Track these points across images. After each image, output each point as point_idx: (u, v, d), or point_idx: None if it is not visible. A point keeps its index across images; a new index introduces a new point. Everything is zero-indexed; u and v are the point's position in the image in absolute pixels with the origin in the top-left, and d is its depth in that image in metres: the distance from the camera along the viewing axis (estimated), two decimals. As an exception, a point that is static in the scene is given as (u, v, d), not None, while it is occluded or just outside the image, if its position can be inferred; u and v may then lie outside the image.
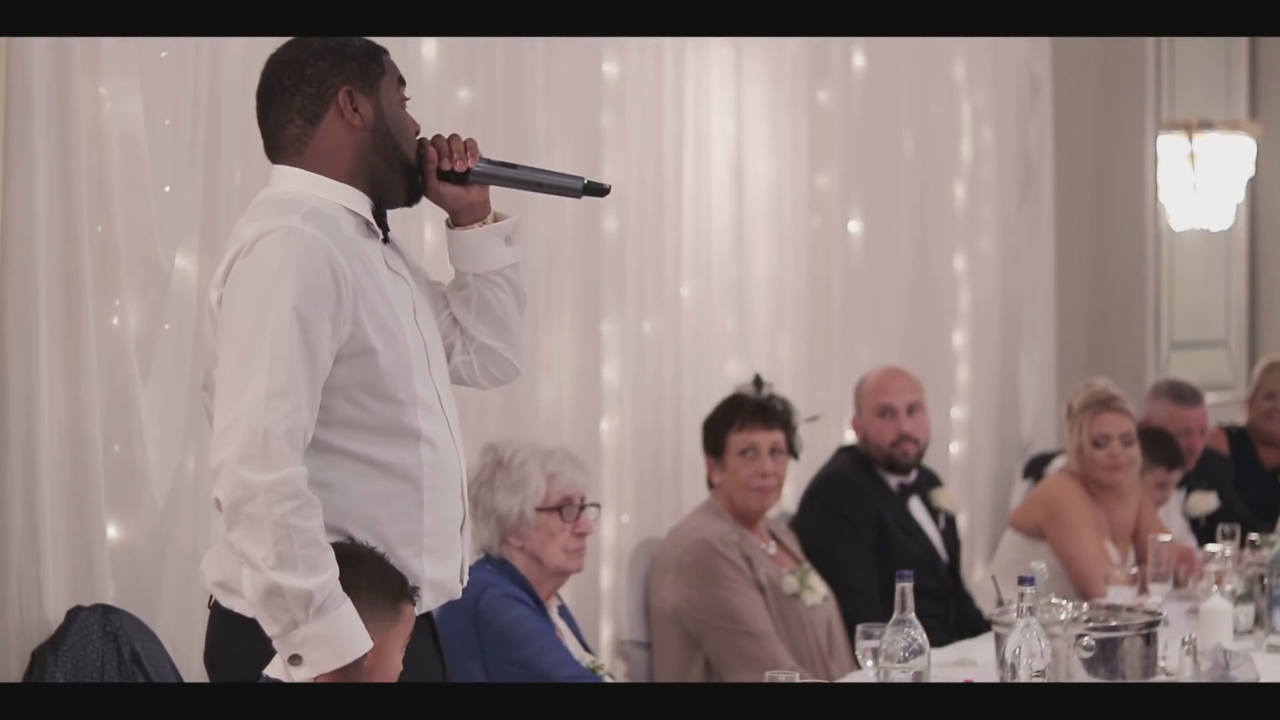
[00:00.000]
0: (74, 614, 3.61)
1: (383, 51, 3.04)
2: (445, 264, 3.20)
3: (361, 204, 2.99)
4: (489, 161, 3.09)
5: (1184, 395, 6.24)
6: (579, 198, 3.15)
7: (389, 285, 2.98)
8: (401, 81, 3.06)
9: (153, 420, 3.80)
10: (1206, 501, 6.11)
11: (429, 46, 4.61)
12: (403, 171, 3.03)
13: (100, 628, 3.61)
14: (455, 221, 3.13)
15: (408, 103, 3.08)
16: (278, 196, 2.95)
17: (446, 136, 3.08)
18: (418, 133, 3.08)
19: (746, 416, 4.81)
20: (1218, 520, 5.57)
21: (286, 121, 2.98)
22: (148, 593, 3.80)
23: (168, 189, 3.85)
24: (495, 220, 3.13)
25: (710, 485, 4.88)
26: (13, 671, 3.56)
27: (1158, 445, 5.77)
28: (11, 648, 3.57)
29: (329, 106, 2.97)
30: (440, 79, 4.64)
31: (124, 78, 3.74)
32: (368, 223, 2.99)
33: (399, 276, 3.03)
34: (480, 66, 4.73)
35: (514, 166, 3.13)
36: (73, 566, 3.66)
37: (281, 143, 3.00)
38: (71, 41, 3.60)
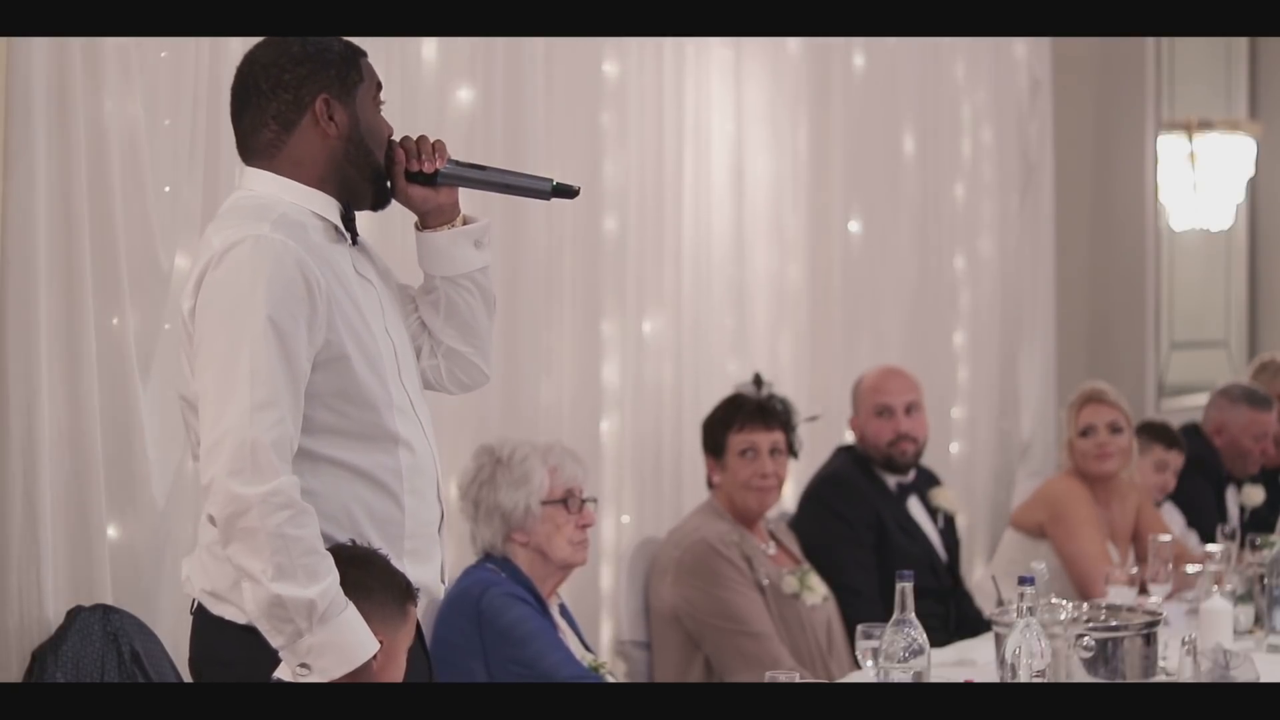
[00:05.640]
0: (74, 614, 3.61)
1: (361, 54, 3.02)
2: (415, 267, 3.19)
3: (330, 209, 2.98)
4: (457, 163, 3.08)
5: (1261, 400, 6.28)
6: (548, 199, 3.14)
7: (358, 291, 2.97)
8: (379, 86, 3.04)
9: (153, 420, 3.80)
10: (1255, 494, 6.23)
11: (429, 46, 4.61)
12: (372, 177, 3.02)
13: (100, 628, 3.61)
14: (424, 224, 3.11)
15: (384, 106, 3.06)
16: (246, 201, 2.94)
17: (415, 138, 3.07)
18: (390, 135, 3.07)
19: (746, 417, 4.81)
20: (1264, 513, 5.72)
21: (261, 125, 2.97)
22: (148, 593, 3.80)
23: (168, 189, 3.85)
24: (465, 223, 3.12)
25: (710, 485, 4.88)
26: (13, 671, 3.56)
27: (1153, 429, 5.81)
28: (11, 648, 3.56)
29: (305, 114, 2.96)
30: (440, 79, 4.64)
31: (124, 78, 3.74)
32: (336, 228, 2.99)
33: (366, 281, 3.03)
34: (480, 66, 4.73)
35: (483, 168, 3.12)
36: (73, 566, 3.66)
37: (255, 145, 2.99)
38: (71, 41, 3.59)
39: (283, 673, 2.79)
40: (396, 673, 2.86)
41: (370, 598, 2.80)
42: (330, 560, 2.79)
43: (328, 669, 2.76)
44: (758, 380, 5.12)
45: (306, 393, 2.86)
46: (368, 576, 2.83)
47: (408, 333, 3.12)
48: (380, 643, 2.81)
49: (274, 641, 2.77)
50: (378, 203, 3.06)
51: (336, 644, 2.76)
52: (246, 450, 2.75)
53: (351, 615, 2.78)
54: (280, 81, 2.96)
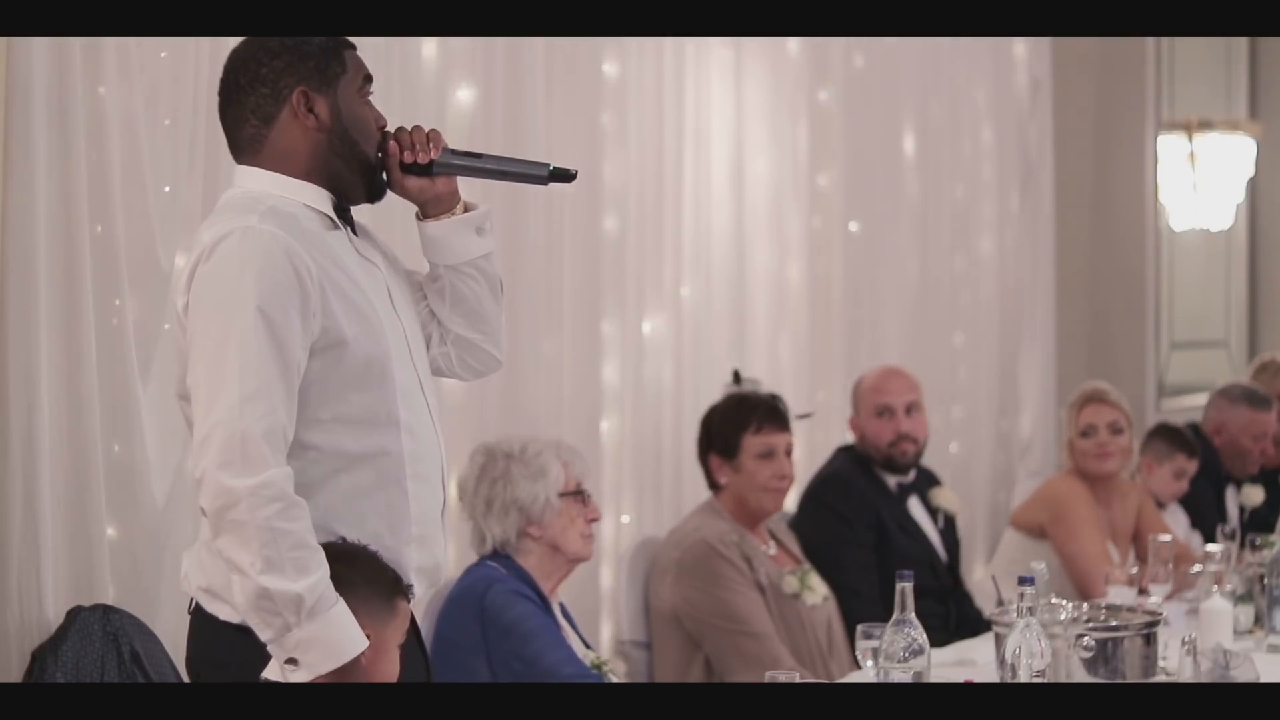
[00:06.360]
0: (74, 614, 3.61)
1: (346, 47, 3.01)
2: (417, 256, 3.19)
3: (322, 200, 2.98)
4: (453, 151, 3.07)
5: (1260, 400, 6.27)
6: (545, 185, 3.13)
7: (360, 273, 2.97)
8: (367, 78, 3.03)
9: (153, 420, 3.80)
10: (1255, 494, 6.21)
11: (429, 46, 4.61)
12: (361, 170, 3.01)
13: (100, 628, 3.61)
14: (424, 214, 3.11)
15: (373, 97, 3.05)
16: (237, 197, 2.94)
17: (409, 129, 3.06)
18: (382, 128, 3.05)
19: (763, 418, 4.79)
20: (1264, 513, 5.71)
21: (243, 121, 2.98)
22: (148, 593, 3.80)
23: (168, 189, 3.85)
24: (465, 210, 3.12)
25: (714, 486, 4.85)
26: (13, 671, 3.56)
27: (1174, 436, 5.80)
28: (11, 648, 3.57)
29: (283, 107, 2.95)
30: (440, 79, 4.64)
31: (124, 78, 3.74)
32: (330, 218, 2.98)
33: (371, 264, 3.02)
34: (480, 66, 4.73)
35: (478, 156, 3.12)
36: (73, 566, 3.66)
37: (240, 141, 2.99)
38: (71, 41, 3.60)
39: (271, 669, 2.79)
40: (387, 668, 2.84)
41: (354, 592, 2.79)
42: (321, 555, 2.78)
43: (315, 664, 2.75)
44: (736, 375, 5.11)
45: (307, 380, 2.85)
46: (351, 571, 2.81)
47: (418, 319, 3.12)
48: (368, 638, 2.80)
49: (262, 635, 2.76)
50: (371, 195, 3.05)
51: (324, 639, 2.75)
52: (236, 442, 2.75)
53: (341, 611, 2.77)
54: (258, 76, 2.95)
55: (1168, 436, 5.85)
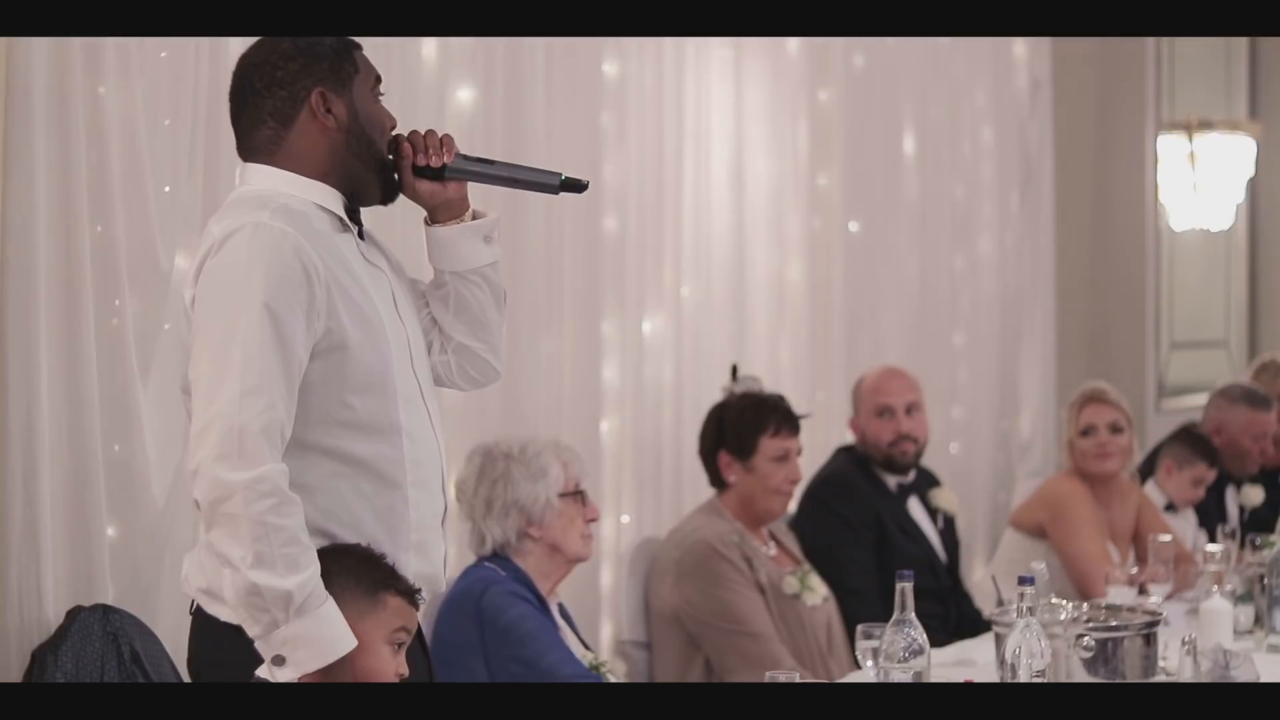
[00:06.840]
0: (74, 614, 3.61)
1: (355, 47, 3.02)
2: (423, 263, 3.19)
3: (333, 200, 2.98)
4: (465, 157, 3.07)
5: (1260, 400, 6.26)
6: (556, 194, 3.13)
7: (365, 277, 2.97)
8: (377, 78, 3.04)
9: (153, 420, 3.80)
10: (1255, 494, 6.20)
11: (429, 46, 4.61)
12: (377, 169, 3.02)
13: (100, 628, 3.61)
14: (433, 219, 3.11)
15: (383, 98, 3.05)
16: (248, 194, 2.94)
17: (423, 132, 3.06)
18: (393, 128, 3.05)
19: (781, 421, 4.78)
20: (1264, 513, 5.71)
21: (259, 123, 2.98)
22: (148, 593, 3.80)
23: (168, 189, 3.85)
24: (474, 218, 3.12)
25: (718, 482, 4.83)
26: (13, 671, 3.56)
27: (1198, 443, 5.80)
28: (11, 648, 3.57)
29: (301, 108, 2.96)
30: (440, 79, 4.64)
31: (124, 78, 3.74)
32: (340, 219, 2.98)
33: (376, 269, 3.02)
34: (480, 66, 4.74)
35: (490, 162, 3.12)
36: (73, 566, 3.66)
37: (255, 143, 2.99)
38: (71, 41, 3.60)
39: (262, 669, 2.78)
40: (376, 666, 2.82)
41: (330, 583, 2.78)
42: (313, 553, 2.77)
43: (303, 662, 2.74)
44: (735, 371, 5.09)
45: (307, 381, 2.85)
46: (336, 565, 2.81)
47: (421, 326, 3.12)
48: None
49: (251, 631, 2.76)
50: (386, 195, 3.06)
51: (312, 637, 2.74)
52: (234, 436, 2.75)
53: (330, 610, 2.76)
54: (274, 79, 2.96)
55: (1192, 443, 5.82)
